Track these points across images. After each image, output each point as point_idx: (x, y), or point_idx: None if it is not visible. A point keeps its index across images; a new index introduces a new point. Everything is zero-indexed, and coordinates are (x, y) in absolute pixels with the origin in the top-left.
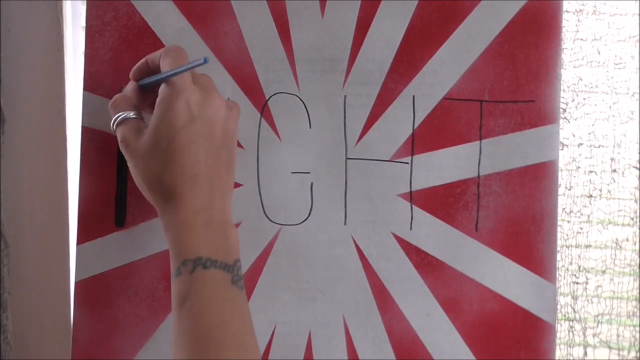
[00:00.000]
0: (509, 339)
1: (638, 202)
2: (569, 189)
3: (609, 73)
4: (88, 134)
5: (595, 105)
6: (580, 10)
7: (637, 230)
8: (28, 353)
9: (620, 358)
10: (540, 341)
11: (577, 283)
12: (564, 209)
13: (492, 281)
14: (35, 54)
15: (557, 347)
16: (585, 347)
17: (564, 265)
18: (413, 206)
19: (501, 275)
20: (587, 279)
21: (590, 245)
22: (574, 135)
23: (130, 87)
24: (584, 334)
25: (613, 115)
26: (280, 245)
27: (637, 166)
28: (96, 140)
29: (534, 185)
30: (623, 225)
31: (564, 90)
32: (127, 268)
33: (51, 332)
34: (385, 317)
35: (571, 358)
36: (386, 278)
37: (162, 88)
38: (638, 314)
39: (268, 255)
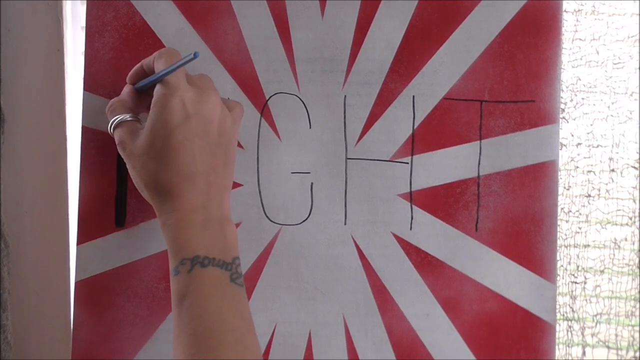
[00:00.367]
0: (509, 338)
1: (637, 201)
2: (568, 189)
3: (607, 73)
4: (88, 134)
5: (594, 105)
6: (579, 10)
7: (636, 230)
8: (28, 353)
9: (619, 358)
10: (540, 341)
11: (576, 283)
12: (562, 208)
13: (492, 281)
14: (35, 54)
15: (556, 347)
16: (583, 347)
17: (562, 265)
18: (413, 206)
19: (501, 275)
20: (585, 278)
21: (588, 245)
22: (572, 135)
23: (126, 90)
24: (582, 333)
25: (612, 115)
26: (280, 245)
27: (636, 166)
28: (96, 140)
29: (534, 185)
30: (622, 225)
31: (562, 90)
32: (127, 268)
33: (51, 332)
34: (385, 317)
35: (570, 358)
36: (386, 278)
37: (157, 88)
38: (637, 314)
39: (268, 255)
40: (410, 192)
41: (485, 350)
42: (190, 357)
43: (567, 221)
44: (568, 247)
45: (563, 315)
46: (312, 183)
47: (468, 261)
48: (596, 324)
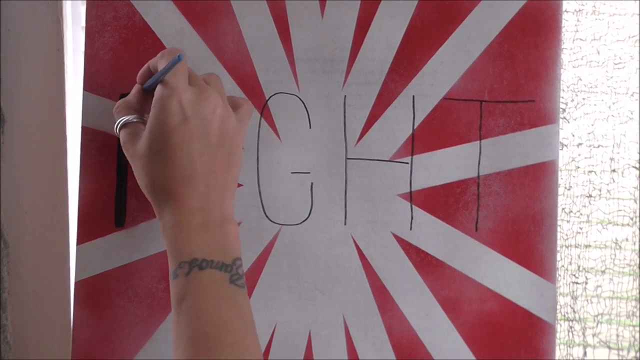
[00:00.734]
0: (509, 339)
1: (637, 202)
2: (569, 189)
3: (608, 73)
4: (88, 134)
5: (595, 105)
6: (580, 10)
7: (637, 230)
8: (28, 353)
9: (620, 358)
10: (540, 341)
11: (577, 283)
12: (563, 209)
13: (492, 281)
14: (35, 54)
15: (557, 347)
16: (584, 347)
17: (563, 265)
18: (413, 206)
19: (501, 275)
20: (586, 279)
21: (589, 245)
22: (573, 135)
23: (133, 90)
24: (583, 334)
25: (612, 115)
26: (280, 245)
27: (637, 166)
28: (96, 140)
29: (534, 185)
30: (622, 225)
31: (563, 90)
32: (127, 268)
33: (51, 332)
34: (385, 317)
35: (571, 358)
36: (386, 278)
37: (157, 90)
38: (637, 314)
39: (268, 255)
40: (410, 192)
41: (485, 350)
42: (190, 359)
43: (568, 221)
44: (569, 247)
45: (564, 315)
46: (312, 183)
47: (468, 261)
48: (597, 324)
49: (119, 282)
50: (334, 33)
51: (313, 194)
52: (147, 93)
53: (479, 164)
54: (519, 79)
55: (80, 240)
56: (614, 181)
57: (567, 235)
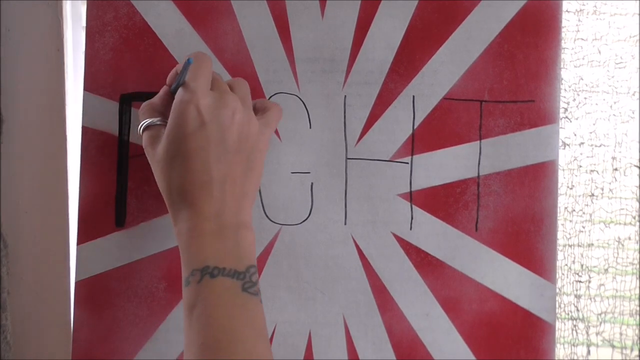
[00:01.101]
0: (509, 338)
1: (639, 201)
2: (571, 188)
3: (609, 72)
4: (88, 134)
5: (597, 104)
6: (581, 10)
7: (639, 229)
8: (28, 353)
9: (624, 357)
10: (540, 341)
11: (580, 282)
12: (566, 207)
13: (492, 281)
14: (35, 54)
15: (561, 346)
16: (588, 346)
17: (566, 264)
18: (413, 206)
19: (501, 275)
20: (589, 277)
21: (592, 244)
22: (575, 135)
23: (160, 93)
24: (587, 332)
25: (614, 115)
26: (280, 245)
27: (638, 165)
28: (96, 140)
29: (534, 185)
30: (625, 224)
31: (565, 90)
32: (127, 268)
33: (51, 332)
34: (385, 317)
35: (575, 357)
36: (386, 278)
37: (177, 94)
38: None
39: (268, 255)
40: (410, 192)
41: (485, 350)
42: None
43: (570, 220)
44: (572, 247)
45: (568, 314)
46: (312, 183)
47: (468, 261)
48: (601, 323)
49: (119, 282)
50: (334, 33)
51: (313, 194)
52: (173, 96)
53: (479, 163)
54: (519, 79)
55: (80, 240)
56: (616, 180)
57: (569, 234)
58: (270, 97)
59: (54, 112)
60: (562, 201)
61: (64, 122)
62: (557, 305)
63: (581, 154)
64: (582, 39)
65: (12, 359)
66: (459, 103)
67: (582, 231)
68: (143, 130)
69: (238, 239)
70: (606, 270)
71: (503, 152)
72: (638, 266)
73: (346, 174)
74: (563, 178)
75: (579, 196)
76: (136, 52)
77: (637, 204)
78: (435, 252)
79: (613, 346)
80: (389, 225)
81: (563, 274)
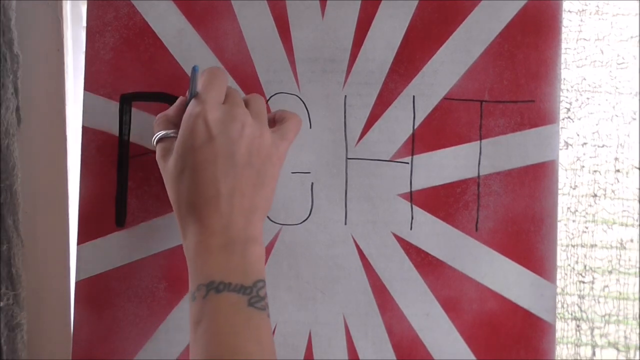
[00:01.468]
0: (509, 338)
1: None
2: (574, 188)
3: (612, 73)
4: (88, 134)
5: (599, 105)
6: (583, 10)
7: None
8: (28, 353)
9: (627, 359)
10: (540, 341)
11: (583, 282)
12: (568, 208)
13: (492, 281)
14: (35, 54)
15: (565, 347)
16: (593, 347)
17: (569, 265)
18: (413, 206)
19: (501, 275)
20: (593, 278)
21: (595, 245)
22: (578, 135)
23: (177, 102)
24: (591, 333)
25: (616, 115)
26: (280, 245)
27: (638, 167)
28: (96, 140)
29: (534, 185)
30: (627, 225)
31: (567, 90)
32: (127, 268)
33: (51, 332)
34: (385, 317)
35: (579, 358)
36: (386, 278)
37: (188, 107)
38: None
39: (268, 255)
40: (411, 192)
41: (485, 350)
42: None
43: (573, 220)
44: (575, 247)
45: (571, 314)
46: (312, 183)
47: (468, 261)
48: (605, 324)
49: (119, 282)
50: (334, 33)
51: (313, 193)
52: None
53: (479, 163)
54: (519, 79)
55: (80, 240)
56: (618, 181)
57: (572, 234)
58: (271, 97)
59: (54, 112)
60: (565, 201)
61: (64, 122)
62: (560, 306)
63: (584, 154)
64: (585, 39)
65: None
66: (459, 103)
67: (585, 231)
68: (157, 142)
69: (245, 254)
70: (610, 272)
71: (503, 152)
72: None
73: (346, 174)
74: (566, 178)
75: (582, 196)
76: (136, 52)
77: (639, 206)
78: (435, 252)
79: (618, 349)
80: (389, 225)
81: (566, 274)
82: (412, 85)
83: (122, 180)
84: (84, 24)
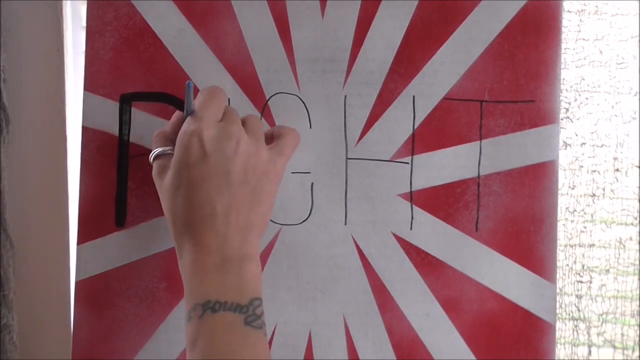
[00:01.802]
0: (509, 338)
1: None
2: (572, 188)
3: (611, 73)
4: (88, 134)
5: (598, 104)
6: (582, 10)
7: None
8: (28, 353)
9: (625, 358)
10: (540, 341)
11: (581, 282)
12: (567, 208)
13: (492, 281)
14: (35, 54)
15: (562, 347)
16: (589, 347)
17: (567, 265)
18: (413, 206)
19: (501, 275)
20: (591, 278)
21: (594, 245)
22: (576, 135)
23: (173, 119)
24: (588, 333)
25: (615, 115)
26: (280, 245)
27: (639, 165)
28: (96, 140)
29: (534, 185)
30: (626, 224)
31: (566, 90)
32: (127, 268)
33: (51, 332)
34: (385, 317)
35: (575, 357)
36: (386, 278)
37: (184, 124)
38: None
39: (268, 255)
40: (411, 192)
41: (485, 350)
42: None
43: (572, 221)
44: (573, 247)
45: (569, 314)
46: (312, 183)
47: (468, 261)
48: (602, 323)
49: (119, 282)
50: (334, 33)
51: (313, 193)
52: None
53: (479, 164)
54: (519, 79)
55: (80, 240)
56: (617, 180)
57: (571, 234)
58: (271, 97)
59: (54, 112)
60: (564, 201)
61: (64, 122)
62: (558, 306)
63: (583, 154)
64: (584, 39)
65: (17, 359)
66: (459, 103)
67: (584, 231)
68: (154, 159)
69: (241, 272)
70: (607, 271)
71: (503, 152)
72: (639, 267)
73: (346, 174)
74: (564, 178)
75: (581, 196)
76: (136, 52)
77: (638, 204)
78: (435, 252)
79: (614, 347)
80: (389, 225)
81: (564, 274)
82: (412, 85)
83: (122, 180)
84: (84, 24)
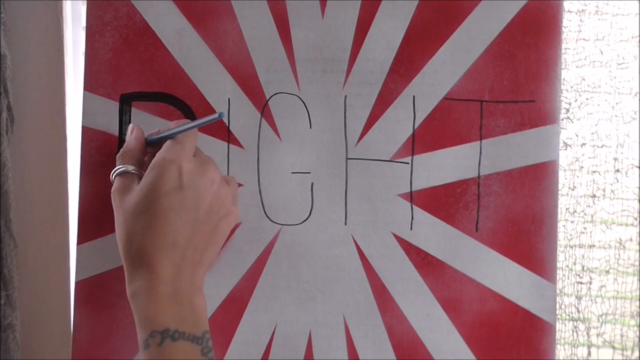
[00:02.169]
0: (509, 339)
1: None
2: (572, 189)
3: (611, 73)
4: (88, 134)
5: (598, 105)
6: (583, 11)
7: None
8: (28, 353)
9: (624, 358)
10: (540, 341)
11: (581, 283)
12: (567, 209)
13: (492, 281)
14: (35, 54)
15: (562, 347)
16: (589, 347)
17: (567, 265)
18: (413, 206)
19: (501, 275)
20: (590, 278)
21: (593, 245)
22: (577, 135)
23: (135, 135)
24: (587, 333)
25: (616, 115)
26: (280, 245)
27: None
28: (96, 140)
29: (534, 185)
30: (627, 225)
31: (567, 90)
32: None
33: (51, 332)
34: (385, 317)
35: (575, 358)
36: (386, 278)
37: (160, 150)
38: None
39: (268, 255)
40: (411, 192)
41: (485, 350)
42: None
43: (572, 221)
44: (573, 247)
45: (568, 315)
46: (312, 183)
47: (468, 261)
48: (601, 324)
49: (119, 282)
50: (335, 33)
51: (313, 194)
52: (150, 147)
53: (479, 164)
54: (519, 79)
55: (80, 240)
56: (617, 181)
57: (571, 235)
58: (271, 97)
59: (54, 112)
60: (564, 202)
61: (64, 122)
62: (557, 306)
63: (583, 154)
64: (584, 40)
65: (19, 358)
66: (459, 103)
67: (584, 232)
68: (116, 176)
69: (193, 305)
70: (607, 272)
71: (503, 152)
72: (639, 267)
73: (346, 174)
74: (565, 179)
75: (581, 197)
76: (136, 52)
77: (639, 205)
78: (435, 252)
79: (614, 347)
80: (389, 225)
81: (564, 275)
82: (412, 85)
83: None
84: (84, 24)
